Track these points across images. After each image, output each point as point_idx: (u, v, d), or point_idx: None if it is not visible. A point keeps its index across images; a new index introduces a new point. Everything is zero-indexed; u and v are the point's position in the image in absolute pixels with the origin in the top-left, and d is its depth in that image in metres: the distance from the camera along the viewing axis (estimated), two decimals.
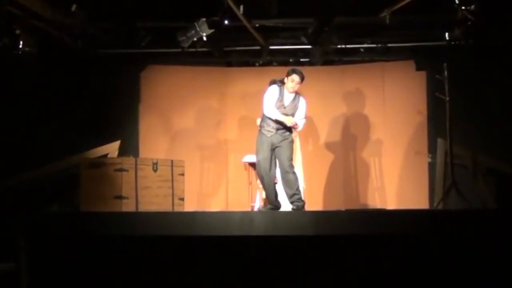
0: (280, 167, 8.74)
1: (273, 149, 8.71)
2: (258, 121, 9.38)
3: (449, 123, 9.52)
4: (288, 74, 8.76)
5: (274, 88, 8.82)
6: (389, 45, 10.75)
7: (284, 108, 8.73)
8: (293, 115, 8.73)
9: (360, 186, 11.66)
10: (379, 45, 10.76)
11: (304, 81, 8.79)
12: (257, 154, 8.80)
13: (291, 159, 8.76)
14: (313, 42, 10.05)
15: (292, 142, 8.83)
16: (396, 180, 11.42)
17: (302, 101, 8.83)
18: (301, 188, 8.95)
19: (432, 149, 11.05)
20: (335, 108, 11.80)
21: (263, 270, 6.95)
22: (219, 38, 10.17)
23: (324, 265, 6.93)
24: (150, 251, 7.06)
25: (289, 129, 8.78)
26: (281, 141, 8.70)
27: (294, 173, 8.72)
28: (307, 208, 8.92)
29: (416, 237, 6.87)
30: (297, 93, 8.84)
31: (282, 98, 8.77)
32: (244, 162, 10.40)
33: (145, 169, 9.36)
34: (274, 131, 8.74)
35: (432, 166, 11.04)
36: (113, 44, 10.45)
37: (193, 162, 11.36)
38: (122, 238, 7.07)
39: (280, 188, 8.87)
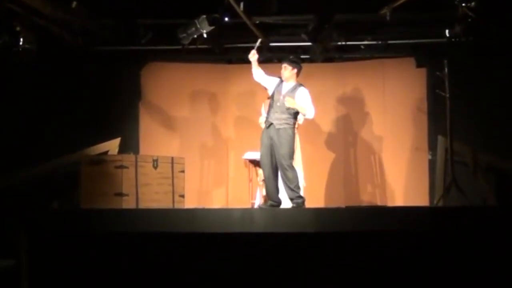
0: (278, 164, 8.71)
1: (272, 143, 8.72)
2: (261, 118, 9.42)
3: (450, 120, 9.51)
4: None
5: (277, 78, 8.97)
6: (389, 42, 10.76)
7: (282, 96, 8.76)
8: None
9: (361, 183, 11.66)
10: (380, 42, 10.77)
11: (298, 69, 8.87)
12: (260, 148, 8.86)
13: (289, 156, 8.68)
14: (313, 39, 10.05)
15: (291, 137, 8.71)
16: (396, 177, 11.42)
17: (301, 90, 8.81)
18: (301, 185, 8.93)
19: (432, 146, 11.04)
20: (335, 105, 11.80)
21: (263, 267, 6.95)
22: (219, 35, 10.18)
23: (325, 262, 6.94)
24: (151, 248, 7.07)
25: (289, 118, 8.74)
26: (277, 134, 8.67)
27: (293, 170, 8.68)
28: (308, 205, 8.91)
29: (416, 234, 6.87)
30: (299, 84, 8.85)
31: (280, 87, 8.85)
32: (245, 159, 10.41)
33: (146, 166, 9.38)
34: (271, 120, 8.75)
35: (432, 163, 11.04)
36: (113, 41, 10.44)
37: (193, 159, 11.37)
38: (122, 235, 7.07)
39: (281, 185, 8.87)
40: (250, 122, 11.06)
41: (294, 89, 8.79)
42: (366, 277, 6.91)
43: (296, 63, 8.90)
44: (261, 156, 8.83)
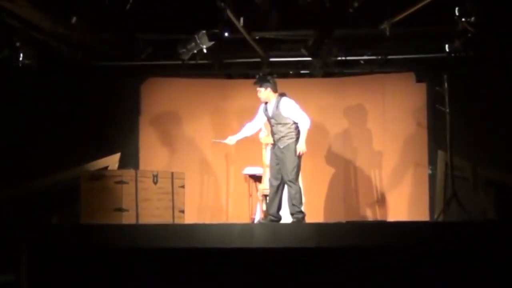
0: (284, 180, 8.73)
1: (279, 161, 8.78)
2: (261, 134, 9.43)
3: (449, 135, 9.51)
4: None
5: (261, 106, 9.07)
6: (389, 57, 10.77)
7: (272, 118, 8.84)
8: (284, 121, 8.74)
9: (361, 198, 11.65)
10: (379, 57, 10.78)
11: (270, 86, 8.85)
12: (269, 169, 9.02)
13: (294, 171, 8.68)
14: (313, 54, 10.05)
15: (293, 152, 8.68)
16: (396, 192, 11.41)
17: (284, 102, 8.81)
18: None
19: (432, 161, 11.04)
20: (335, 120, 11.79)
21: (264, 283, 6.93)
22: (219, 50, 10.19)
23: (325, 277, 6.92)
24: (150, 263, 7.05)
25: (289, 133, 8.74)
26: (281, 152, 8.73)
27: (296, 185, 8.69)
28: (308, 220, 8.91)
29: (416, 249, 6.86)
30: (279, 97, 8.86)
31: (267, 110, 8.93)
32: (245, 174, 10.40)
33: (146, 182, 9.37)
34: (275, 142, 8.85)
35: (432, 178, 11.03)
36: (113, 56, 10.45)
37: (193, 174, 11.35)
38: (122, 250, 7.06)
39: (284, 202, 8.87)
40: (250, 138, 11.03)
41: (277, 105, 8.81)
42: None
43: (265, 81, 8.90)
44: (269, 177, 8.94)
